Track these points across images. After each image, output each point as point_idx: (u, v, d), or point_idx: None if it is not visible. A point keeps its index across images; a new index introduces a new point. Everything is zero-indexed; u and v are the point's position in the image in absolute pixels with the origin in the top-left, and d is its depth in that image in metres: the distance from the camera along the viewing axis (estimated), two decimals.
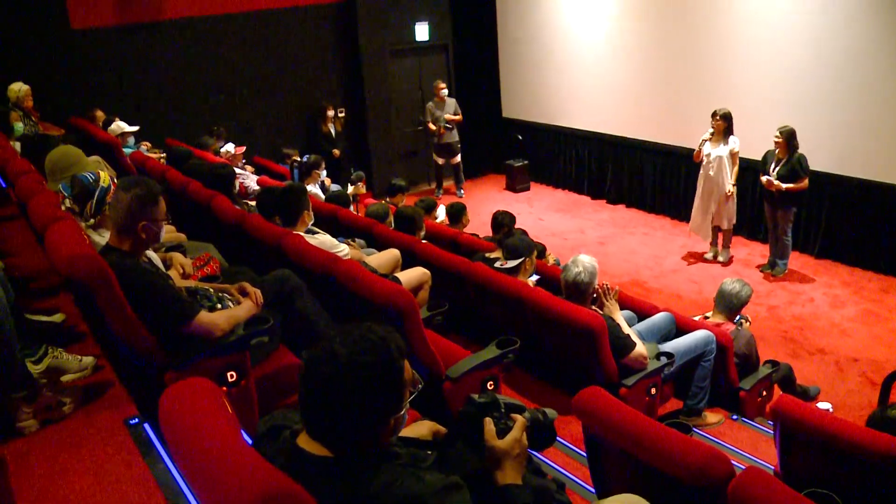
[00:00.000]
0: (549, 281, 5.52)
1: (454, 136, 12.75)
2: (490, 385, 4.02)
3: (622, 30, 11.36)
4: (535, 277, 5.56)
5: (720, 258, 9.48)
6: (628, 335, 4.54)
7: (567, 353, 4.73)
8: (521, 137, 13.58)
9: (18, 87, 8.13)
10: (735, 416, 5.25)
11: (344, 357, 1.74)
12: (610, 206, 12.26)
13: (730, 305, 5.69)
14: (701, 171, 9.15)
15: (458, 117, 12.60)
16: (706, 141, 8.88)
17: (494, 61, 13.89)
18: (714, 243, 9.52)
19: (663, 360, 4.60)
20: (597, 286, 4.72)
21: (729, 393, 5.33)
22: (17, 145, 6.33)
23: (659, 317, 5.34)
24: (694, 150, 9.10)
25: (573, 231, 11.26)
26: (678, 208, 11.18)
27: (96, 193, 3.83)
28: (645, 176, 11.72)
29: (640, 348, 4.52)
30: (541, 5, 12.67)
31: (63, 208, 3.81)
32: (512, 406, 2.20)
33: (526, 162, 13.43)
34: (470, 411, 2.14)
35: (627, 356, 4.47)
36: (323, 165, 8.59)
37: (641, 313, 5.50)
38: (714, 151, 8.86)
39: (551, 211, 12.30)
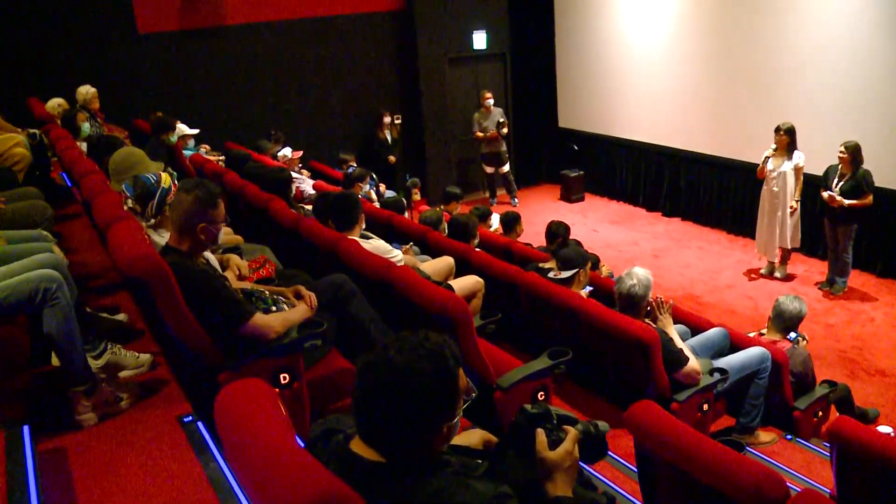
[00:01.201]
0: (603, 293, 5.48)
1: (502, 146, 12.74)
2: (541, 396, 4.00)
3: (681, 41, 11.25)
4: (588, 289, 5.52)
5: (777, 274, 9.31)
6: (681, 349, 4.49)
7: (619, 366, 4.68)
8: (576, 147, 13.52)
9: (86, 90, 8.37)
10: (789, 436, 5.15)
11: (400, 364, 1.75)
12: (665, 219, 12.13)
13: (785, 322, 5.59)
14: (764, 188, 8.98)
15: (503, 129, 12.60)
16: (769, 157, 8.72)
17: (551, 70, 13.85)
18: (772, 259, 9.35)
19: (717, 376, 4.53)
20: (651, 299, 4.68)
21: (783, 412, 5.23)
22: (84, 146, 6.49)
23: (713, 332, 5.27)
24: (752, 163, 8.96)
25: (627, 243, 11.16)
26: (735, 223, 11.01)
27: (157, 194, 3.90)
28: (701, 189, 11.56)
29: (693, 363, 4.45)
30: (599, 15, 12.61)
31: (125, 208, 3.89)
32: (564, 418, 2.18)
33: (581, 172, 13.37)
34: (522, 421, 2.13)
35: (680, 371, 4.41)
36: (367, 179, 8.64)
37: (695, 328, 5.43)
38: (778, 167, 8.70)
39: (606, 222, 12.22)
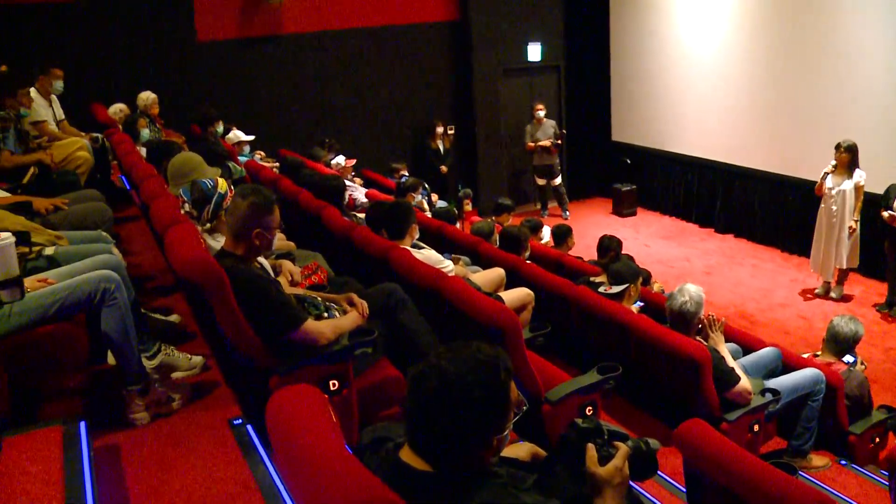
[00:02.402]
0: (654, 309, 5.43)
1: (554, 158, 12.71)
2: (589, 410, 3.96)
3: (739, 55, 11.11)
4: (638, 304, 5.47)
5: (833, 294, 9.11)
6: (732, 368, 4.42)
7: (668, 383, 4.63)
8: (629, 161, 13.42)
9: (146, 96, 8.57)
10: (843, 462, 5.02)
11: (452, 374, 1.75)
12: (718, 236, 11.96)
13: (841, 344, 5.46)
14: (822, 206, 8.78)
15: (557, 141, 12.57)
16: (828, 174, 8.55)
17: (606, 83, 13.78)
18: (828, 279, 9.16)
19: (768, 396, 4.45)
20: (702, 316, 4.62)
21: (838, 436, 5.11)
22: (143, 150, 6.62)
23: (765, 352, 5.18)
24: (809, 180, 8.79)
25: (679, 259, 11.04)
26: (789, 241, 10.81)
27: (213, 199, 3.97)
28: (756, 205, 11.38)
29: (745, 383, 4.38)
30: (656, 29, 12.53)
31: (182, 212, 3.96)
32: (615, 434, 2.17)
33: (634, 186, 13.26)
34: (572, 436, 2.12)
35: (731, 390, 4.35)
36: (420, 189, 8.66)
37: (747, 347, 5.34)
38: (837, 185, 8.52)
39: (657, 237, 12.11)
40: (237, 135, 9.01)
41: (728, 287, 9.82)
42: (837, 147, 8.43)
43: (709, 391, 4.26)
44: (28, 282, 3.09)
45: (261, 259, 3.54)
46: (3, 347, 2.92)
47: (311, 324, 3.28)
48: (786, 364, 5.11)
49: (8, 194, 4.50)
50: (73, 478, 2.52)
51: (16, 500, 2.42)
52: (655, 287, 7.24)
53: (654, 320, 4.70)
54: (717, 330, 4.64)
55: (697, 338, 4.58)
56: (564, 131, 12.98)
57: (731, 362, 4.48)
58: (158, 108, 8.73)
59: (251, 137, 9.16)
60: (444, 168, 12.18)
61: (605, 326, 4.89)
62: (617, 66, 13.59)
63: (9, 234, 2.87)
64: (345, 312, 3.56)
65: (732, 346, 5.11)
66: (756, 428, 4.40)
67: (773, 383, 4.67)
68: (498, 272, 5.45)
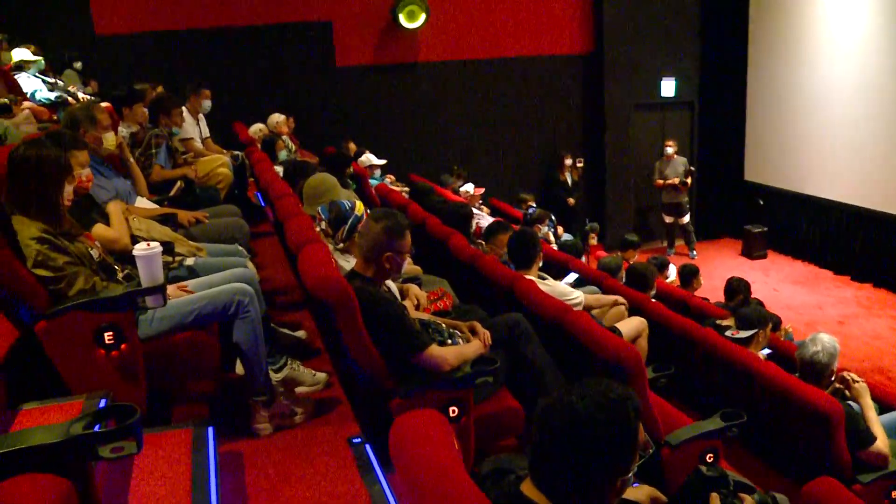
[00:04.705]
0: (782, 356, 5.22)
1: (682, 196, 12.46)
2: (710, 457, 3.83)
3: (880, 98, 10.61)
4: (766, 351, 5.28)
5: None
6: (868, 427, 4.18)
7: (795, 436, 4.42)
8: (762, 202, 13.00)
9: (276, 117, 9.02)
10: None
11: (582, 412, 1.73)
12: (855, 284, 11.38)
13: None
14: None
15: (686, 179, 12.31)
16: None
17: (741, 121, 13.40)
18: None
19: None
20: (835, 369, 4.40)
21: None
22: (280, 169, 6.85)
23: None
24: None
25: (810, 306, 10.57)
26: None
27: (350, 220, 4.07)
28: None
29: (882, 443, 4.14)
30: (795, 68, 12.11)
31: (317, 230, 4.07)
32: (741, 485, 2.09)
33: (765, 228, 12.80)
34: (696, 483, 2.06)
35: (866, 450, 4.11)
36: (546, 220, 8.61)
37: (884, 405, 5.06)
38: None
39: (788, 282, 11.64)
40: (369, 158, 9.22)
41: (864, 339, 9.33)
42: None
43: (840, 449, 4.04)
44: (169, 289, 3.23)
45: (388, 282, 3.59)
46: (144, 351, 3.05)
47: (434, 349, 3.29)
48: None
49: (156, 206, 4.72)
50: (200, 478, 2.62)
51: (147, 497, 2.53)
52: (784, 334, 6.98)
53: (782, 369, 4.52)
54: (861, 390, 4.40)
55: (831, 389, 4.37)
56: (693, 169, 12.70)
57: (872, 419, 4.24)
58: (287, 128, 9.09)
59: (383, 162, 9.35)
60: (571, 200, 12.14)
61: (730, 372, 4.73)
62: (753, 104, 13.20)
63: (157, 243, 3.00)
64: (468, 340, 3.57)
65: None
66: (894, 495, 4.14)
67: None
68: (618, 309, 5.35)
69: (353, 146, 10.06)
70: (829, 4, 11.48)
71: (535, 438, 1.78)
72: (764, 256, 12.78)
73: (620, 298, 5.38)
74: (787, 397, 4.22)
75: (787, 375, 4.36)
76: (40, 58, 7.53)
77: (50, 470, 1.77)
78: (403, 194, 8.53)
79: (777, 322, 6.74)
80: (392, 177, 9.85)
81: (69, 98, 7.05)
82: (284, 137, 8.84)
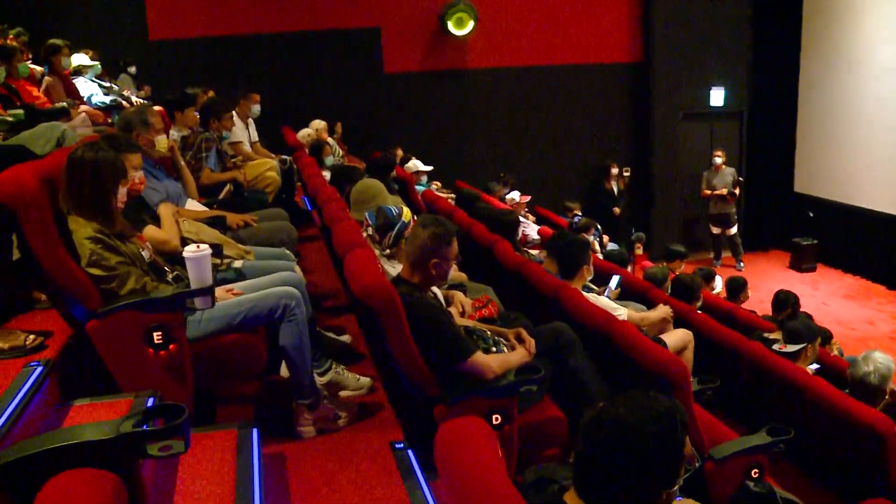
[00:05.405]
0: (831, 372, 5.12)
1: (730, 207, 12.31)
2: (755, 473, 3.77)
3: None
4: (815, 366, 5.19)
5: None
6: None
7: (845, 454, 4.33)
8: (812, 214, 12.77)
9: (317, 123, 9.07)
10: None
11: (629, 424, 1.72)
12: None
13: None
14: None
15: (734, 189, 12.16)
16: None
17: (791, 132, 13.19)
18: None
19: None
20: (887, 389, 4.30)
21: None
22: (327, 174, 6.90)
23: None
24: None
25: (861, 321, 10.36)
26: None
27: (396, 226, 4.09)
28: None
29: None
30: (848, 78, 11.91)
31: (364, 235, 4.09)
32: (788, 501, 2.06)
33: (815, 241, 12.57)
34: (744, 500, 2.03)
35: None
36: (592, 230, 8.56)
37: None
38: None
39: (838, 297, 11.42)
40: (416, 164, 9.25)
41: None
42: None
43: (893, 469, 3.95)
44: (218, 291, 3.26)
45: (434, 289, 3.60)
46: (192, 351, 3.09)
47: (479, 356, 3.29)
48: None
49: (206, 208, 4.78)
50: (244, 478, 2.64)
51: (192, 495, 2.56)
52: (834, 349, 6.85)
53: (831, 384, 4.43)
54: None
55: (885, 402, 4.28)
56: (741, 179, 12.53)
57: None
58: (328, 134, 9.19)
59: (429, 168, 9.38)
60: (617, 210, 12.07)
61: (777, 386, 4.66)
62: (804, 114, 12.99)
63: (206, 245, 3.04)
64: (513, 348, 3.56)
65: None
66: None
67: None
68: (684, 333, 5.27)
69: (400, 152, 10.10)
70: (884, 14, 11.27)
71: (581, 449, 1.77)
72: (813, 269, 12.55)
73: (668, 314, 5.26)
74: (837, 414, 4.14)
75: (837, 392, 4.28)
76: (97, 63, 7.70)
77: (100, 465, 1.80)
78: (450, 201, 8.54)
79: (827, 336, 6.62)
80: (438, 183, 9.88)
81: (123, 102, 7.20)
82: (331, 142, 8.92)
